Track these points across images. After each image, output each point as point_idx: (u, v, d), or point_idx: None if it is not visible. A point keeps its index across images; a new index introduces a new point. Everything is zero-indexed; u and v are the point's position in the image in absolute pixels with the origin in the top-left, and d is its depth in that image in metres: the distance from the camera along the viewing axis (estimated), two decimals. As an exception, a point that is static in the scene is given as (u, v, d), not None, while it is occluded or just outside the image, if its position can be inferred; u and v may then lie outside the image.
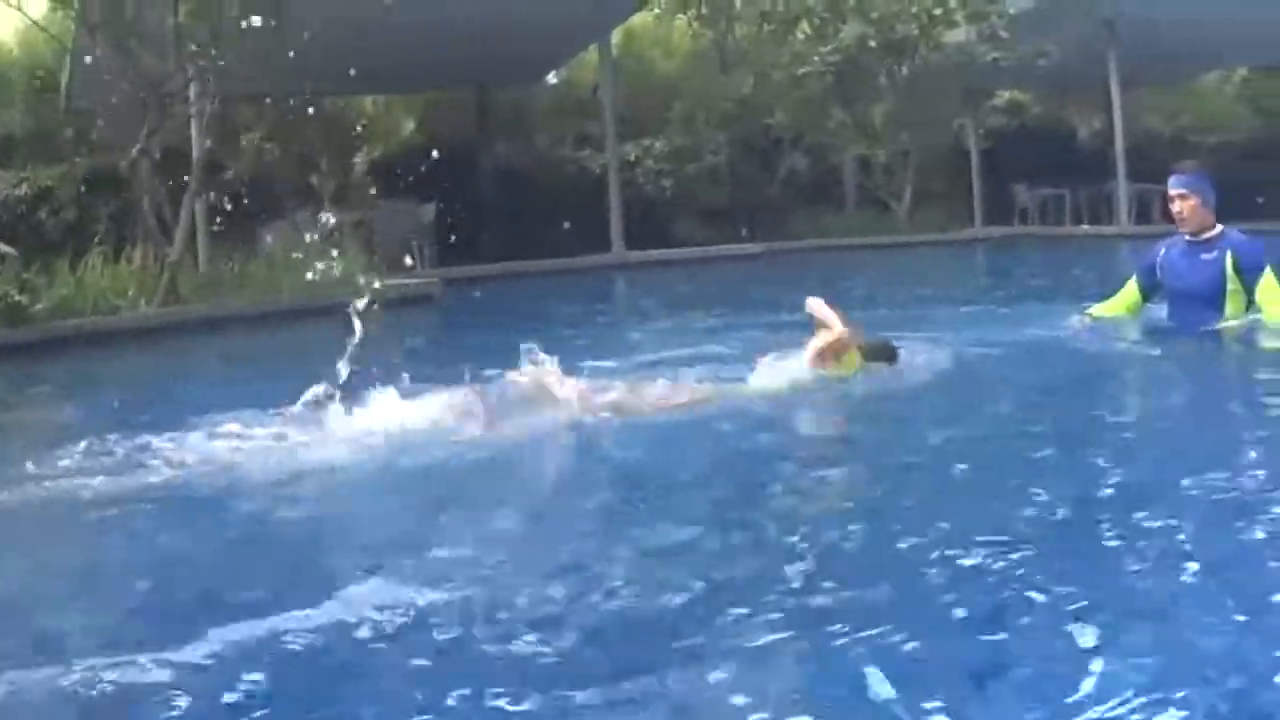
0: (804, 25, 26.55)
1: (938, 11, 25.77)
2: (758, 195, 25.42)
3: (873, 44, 24.95)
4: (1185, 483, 3.79)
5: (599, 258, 20.60)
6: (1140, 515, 3.44)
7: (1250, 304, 7.01)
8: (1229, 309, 6.98)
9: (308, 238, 11.74)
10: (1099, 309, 7.59)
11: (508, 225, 22.84)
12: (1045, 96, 33.25)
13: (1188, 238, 7.20)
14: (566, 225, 21.43)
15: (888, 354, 6.10)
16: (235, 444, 4.86)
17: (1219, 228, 7.14)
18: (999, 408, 5.81)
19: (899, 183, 26.89)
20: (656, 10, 28.58)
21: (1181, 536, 3.23)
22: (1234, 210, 24.78)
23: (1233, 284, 6.95)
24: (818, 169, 27.36)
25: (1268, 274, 6.90)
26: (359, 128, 25.17)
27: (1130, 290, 7.53)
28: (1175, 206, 7.19)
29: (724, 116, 26.52)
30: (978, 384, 6.40)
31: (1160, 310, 7.56)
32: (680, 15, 29.41)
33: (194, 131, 14.46)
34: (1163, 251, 7.39)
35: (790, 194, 26.27)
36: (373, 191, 22.42)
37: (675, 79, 28.37)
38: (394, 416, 5.09)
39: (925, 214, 26.43)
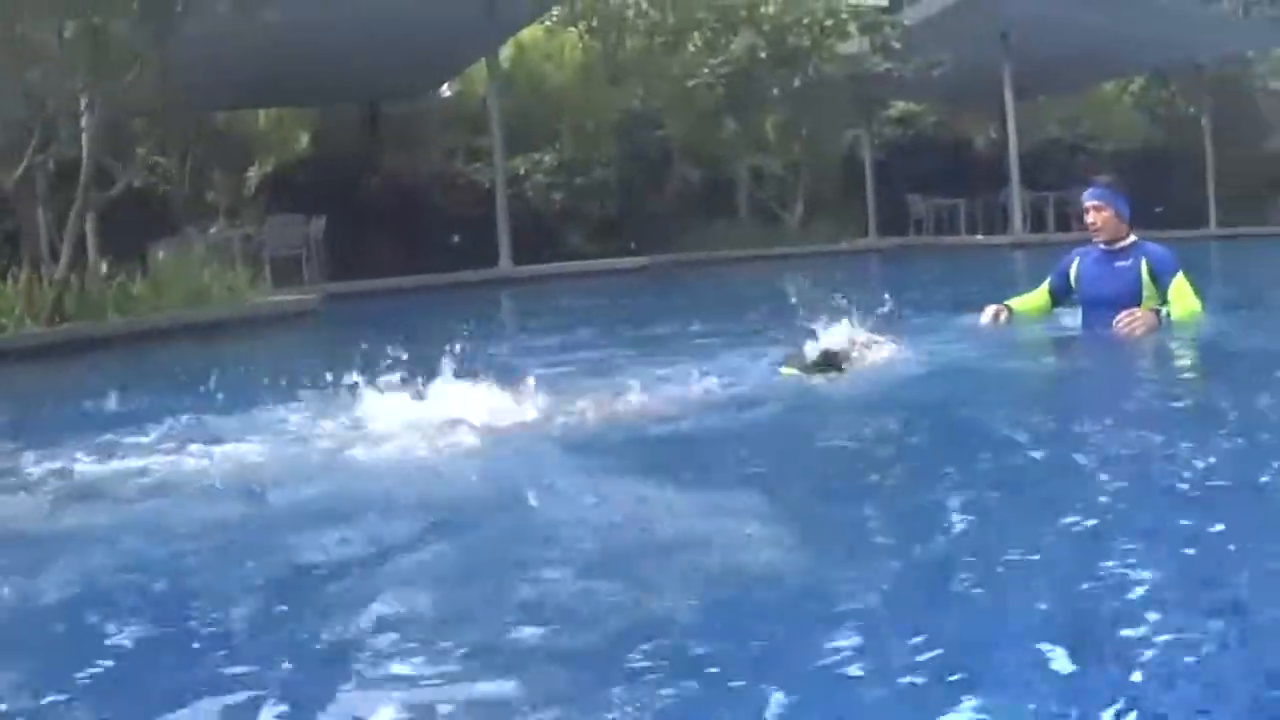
0: (695, 37, 26.84)
1: (829, 23, 26.09)
2: (648, 208, 25.52)
3: (763, 55, 25.14)
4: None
5: (486, 272, 20.62)
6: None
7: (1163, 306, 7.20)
8: None
9: (198, 252, 11.77)
10: (1016, 302, 7.78)
11: (399, 239, 22.73)
12: (941, 107, 33.67)
13: (1102, 246, 7.45)
14: (455, 239, 21.66)
15: (835, 361, 6.25)
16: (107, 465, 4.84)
17: (1132, 237, 7.42)
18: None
19: (791, 193, 27.14)
20: (548, 23, 28.70)
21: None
22: (1132, 220, 25.51)
23: (1148, 290, 7.21)
24: (711, 180, 27.48)
25: (1179, 276, 7.18)
26: (251, 142, 25.24)
27: (1041, 293, 7.77)
28: (1090, 217, 7.43)
29: (613, 129, 26.60)
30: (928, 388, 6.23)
31: (1069, 315, 7.72)
32: (571, 28, 29.54)
33: (83, 148, 14.45)
34: (1077, 260, 7.64)
35: (682, 206, 26.37)
36: (263, 206, 22.53)
37: (566, 92, 28.40)
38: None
39: (819, 225, 26.61)
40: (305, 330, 13.61)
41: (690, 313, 11.57)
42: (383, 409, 5.00)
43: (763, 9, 26.11)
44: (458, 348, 5.28)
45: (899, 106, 32.69)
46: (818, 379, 6.01)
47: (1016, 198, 27.26)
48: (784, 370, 6.26)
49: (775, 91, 26.00)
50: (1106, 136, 36.26)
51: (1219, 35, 34.82)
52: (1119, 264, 7.30)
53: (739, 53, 25.21)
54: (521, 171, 24.98)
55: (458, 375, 5.17)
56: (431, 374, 5.17)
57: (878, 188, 29.31)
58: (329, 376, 5.19)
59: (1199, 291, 7.22)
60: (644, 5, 28.16)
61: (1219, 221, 32.64)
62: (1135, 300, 7.18)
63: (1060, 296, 7.73)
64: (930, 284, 17.13)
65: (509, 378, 5.43)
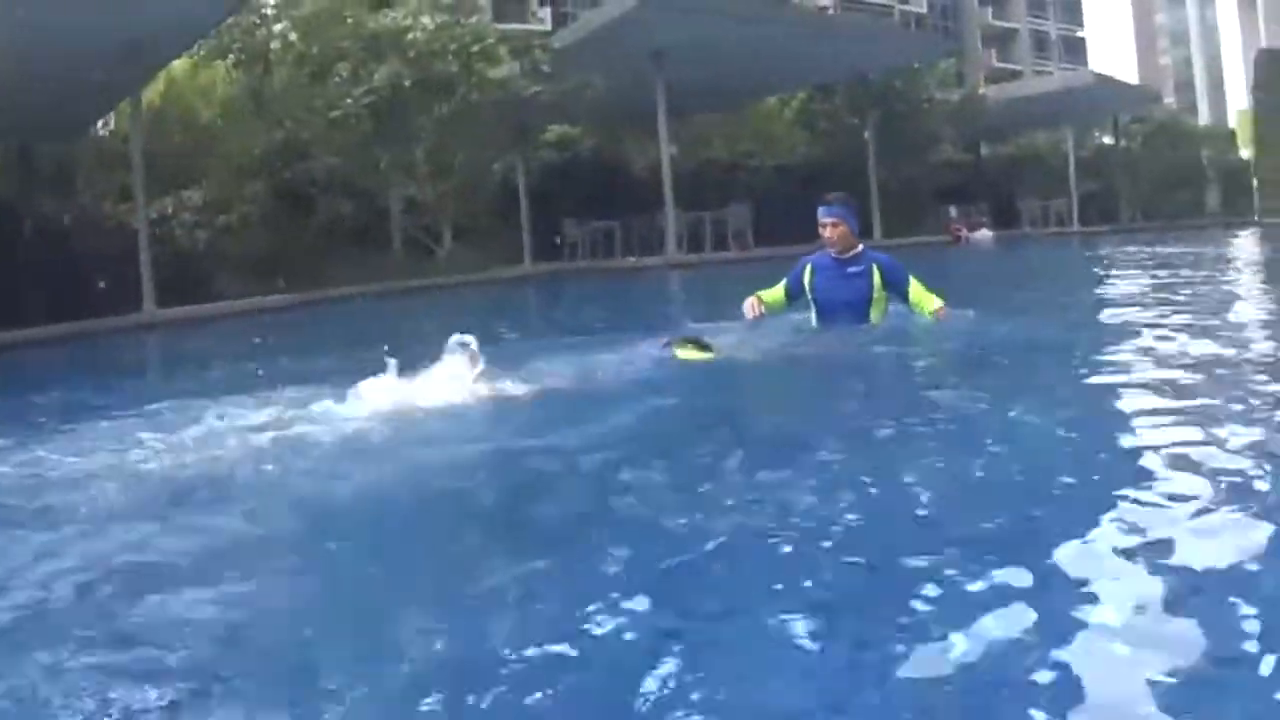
0: (342, 67, 27.04)
1: (477, 48, 26.99)
2: (297, 243, 25.74)
3: (408, 83, 25.77)
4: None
5: (128, 318, 20.47)
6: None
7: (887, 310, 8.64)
8: (874, 315, 8.52)
9: None
10: (764, 294, 8.86)
11: (49, 286, 21.71)
12: (599, 129, 34.91)
13: (834, 255, 8.63)
14: (102, 284, 21.54)
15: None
16: None
17: (860, 246, 8.66)
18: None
19: (442, 223, 27.96)
20: (196, 57, 28.83)
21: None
22: (794, 235, 27.31)
23: (878, 294, 8.50)
24: (365, 212, 27.98)
25: (914, 281, 8.53)
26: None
27: (779, 291, 8.86)
28: (827, 233, 8.53)
29: (260, 164, 26.95)
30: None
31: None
32: (219, 61, 29.82)
33: None
34: (810, 266, 8.77)
35: (334, 240, 26.74)
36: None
37: (216, 127, 28.63)
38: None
39: (474, 253, 27.38)
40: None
41: (316, 350, 12.18)
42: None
43: (410, 35, 26.70)
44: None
45: (556, 130, 33.86)
46: (702, 356, 7.55)
47: (671, 219, 28.48)
48: (677, 353, 7.62)
49: (424, 120, 26.71)
50: (768, 153, 38.35)
51: (884, 48, 36.87)
52: (851, 270, 8.54)
53: (382, 82, 25.77)
54: (170, 210, 25.09)
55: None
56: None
57: (533, 213, 30.24)
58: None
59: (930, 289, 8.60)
60: (290, 36, 28.62)
61: (884, 233, 34.64)
62: (867, 303, 8.53)
63: (794, 297, 8.86)
64: (568, 307, 18.58)
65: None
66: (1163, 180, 55.09)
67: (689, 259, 28.04)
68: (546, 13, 68.70)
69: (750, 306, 8.86)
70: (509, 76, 27.77)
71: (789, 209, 34.79)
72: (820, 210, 8.66)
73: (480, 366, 6.64)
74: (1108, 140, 56.45)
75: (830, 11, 78.07)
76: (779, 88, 39.53)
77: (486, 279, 25.36)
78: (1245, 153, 65.50)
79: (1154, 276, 17.86)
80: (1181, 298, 12.79)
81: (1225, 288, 15.43)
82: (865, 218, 35.76)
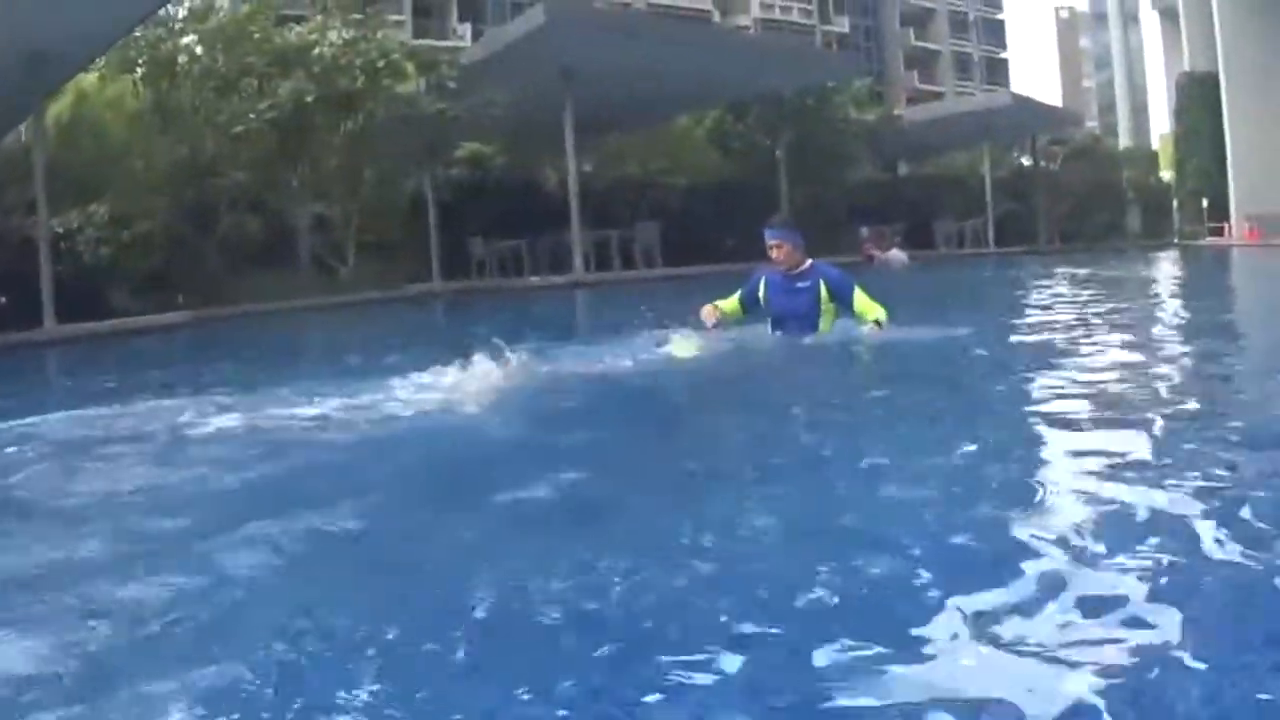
0: (248, 82, 27.23)
1: (383, 64, 27.16)
2: (199, 259, 25.69)
3: (310, 99, 25.93)
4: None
5: (29, 334, 20.22)
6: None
7: (837, 319, 9.29)
8: (823, 325, 9.21)
9: None
10: (721, 303, 9.56)
11: None
12: (511, 147, 35.25)
13: (784, 272, 9.30)
14: (2, 299, 21.30)
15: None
16: None
17: (809, 262, 9.33)
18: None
19: (348, 240, 28.08)
20: (101, 71, 28.64)
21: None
22: (705, 254, 27.70)
23: (826, 306, 9.17)
24: (273, 229, 27.89)
25: (858, 291, 9.20)
26: None
27: (735, 301, 9.58)
28: (774, 254, 9.21)
29: (165, 179, 26.89)
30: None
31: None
32: (126, 75, 29.39)
33: None
34: (764, 280, 9.44)
35: (238, 256, 26.61)
36: None
37: (123, 141, 28.53)
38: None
39: (383, 270, 27.57)
40: None
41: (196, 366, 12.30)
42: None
43: (316, 50, 26.83)
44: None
45: (468, 147, 34.12)
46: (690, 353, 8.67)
47: (577, 238, 28.82)
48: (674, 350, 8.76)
49: (330, 136, 26.99)
50: (680, 172, 38.78)
51: (798, 67, 37.48)
52: (800, 285, 9.22)
53: (285, 97, 25.96)
54: (75, 225, 24.69)
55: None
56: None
57: (442, 231, 30.48)
58: None
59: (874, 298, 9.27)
60: (197, 50, 28.55)
61: None
62: (816, 315, 9.21)
63: (749, 308, 9.58)
64: (463, 325, 18.84)
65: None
66: (1082, 202, 55.98)
67: (593, 278, 28.30)
68: (467, 29, 69.07)
69: (708, 314, 9.51)
70: (415, 93, 28.04)
71: (699, 228, 35.52)
72: (766, 233, 9.40)
73: (511, 365, 7.63)
74: (1026, 161, 57.23)
75: (750, 31, 79.00)
76: (692, 106, 39.90)
77: (391, 297, 25.55)
78: (1167, 175, 66.74)
79: (1056, 296, 18.48)
80: (1074, 316, 13.36)
81: (1123, 307, 16.00)
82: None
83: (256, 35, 27.56)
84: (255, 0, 29.57)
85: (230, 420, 6.68)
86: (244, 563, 3.63)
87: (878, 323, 9.11)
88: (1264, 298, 20.03)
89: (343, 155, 27.65)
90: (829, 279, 9.31)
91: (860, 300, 9.20)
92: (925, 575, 3.15)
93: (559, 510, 4.26)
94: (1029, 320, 13.54)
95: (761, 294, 9.49)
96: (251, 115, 26.15)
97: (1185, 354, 9.35)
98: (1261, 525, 3.50)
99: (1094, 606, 2.86)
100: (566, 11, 28.80)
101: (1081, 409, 6.11)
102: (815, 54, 53.06)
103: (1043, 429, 5.55)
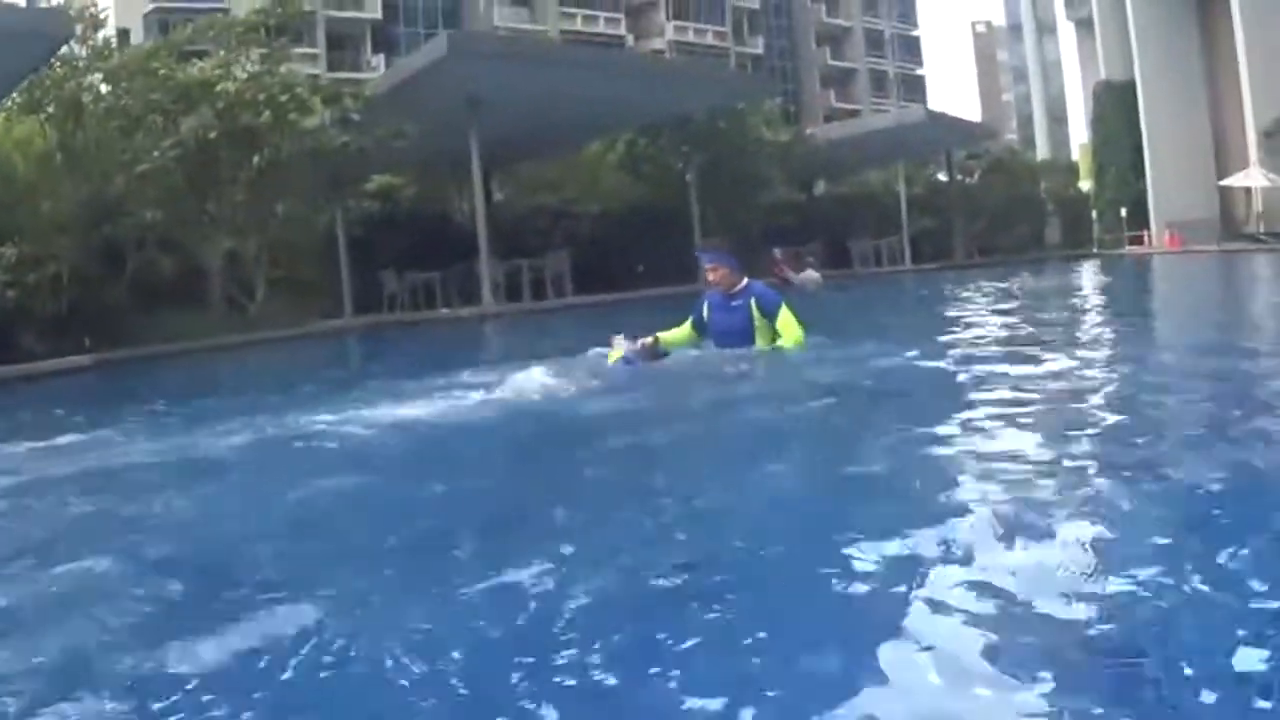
0: (154, 120, 27.23)
1: (285, 98, 27.24)
2: (106, 300, 25.49)
3: (213, 135, 26.11)
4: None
5: None
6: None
7: (775, 336, 10.06)
8: (759, 342, 10.07)
9: None
10: (665, 335, 10.46)
11: None
12: (421, 178, 35.69)
13: (722, 293, 10.24)
14: None
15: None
16: None
17: (745, 281, 10.25)
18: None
19: (256, 277, 28.11)
20: (7, 112, 28.83)
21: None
22: (619, 281, 28.03)
23: (760, 323, 10.03)
24: (183, 268, 27.84)
25: (784, 308, 10.06)
26: None
27: (686, 328, 10.58)
28: (711, 277, 10.26)
29: (72, 219, 26.65)
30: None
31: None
32: (33, 115, 29.17)
33: None
34: (706, 302, 10.41)
35: (148, 296, 26.48)
36: None
37: (30, 183, 28.23)
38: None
39: (294, 307, 27.68)
40: None
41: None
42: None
43: (219, 86, 26.85)
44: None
45: (378, 180, 34.36)
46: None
47: (485, 269, 29.05)
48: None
49: (237, 172, 27.05)
50: (592, 199, 39.11)
51: (708, 89, 37.72)
52: (735, 304, 10.14)
53: (188, 133, 26.10)
54: None
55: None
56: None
57: (355, 265, 30.79)
58: None
59: (800, 320, 10.07)
60: (102, 89, 28.48)
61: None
62: (751, 331, 10.09)
63: (700, 330, 10.54)
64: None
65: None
66: (1001, 215, 56.63)
67: (505, 309, 28.64)
68: (380, 60, 69.43)
69: (647, 343, 10.30)
70: (321, 126, 28.06)
71: (612, 254, 35.89)
72: (700, 258, 10.64)
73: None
74: (943, 177, 57.83)
75: (664, 55, 79.51)
76: (603, 132, 40.22)
77: (299, 334, 25.65)
78: (1086, 185, 67.57)
79: (964, 309, 19.04)
80: (974, 329, 13.93)
81: (1025, 317, 16.56)
82: (688, 261, 36.58)
83: (161, 72, 27.46)
84: (161, 36, 29.45)
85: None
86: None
87: (780, 346, 9.97)
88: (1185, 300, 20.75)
89: (250, 191, 27.62)
90: (759, 297, 10.19)
91: (783, 318, 10.07)
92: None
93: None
94: (934, 335, 13.97)
95: (705, 315, 10.44)
96: (155, 153, 26.26)
97: (1097, 366, 10.00)
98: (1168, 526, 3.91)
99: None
100: (469, 41, 29.17)
101: (985, 420, 6.62)
102: (725, 75, 53.54)
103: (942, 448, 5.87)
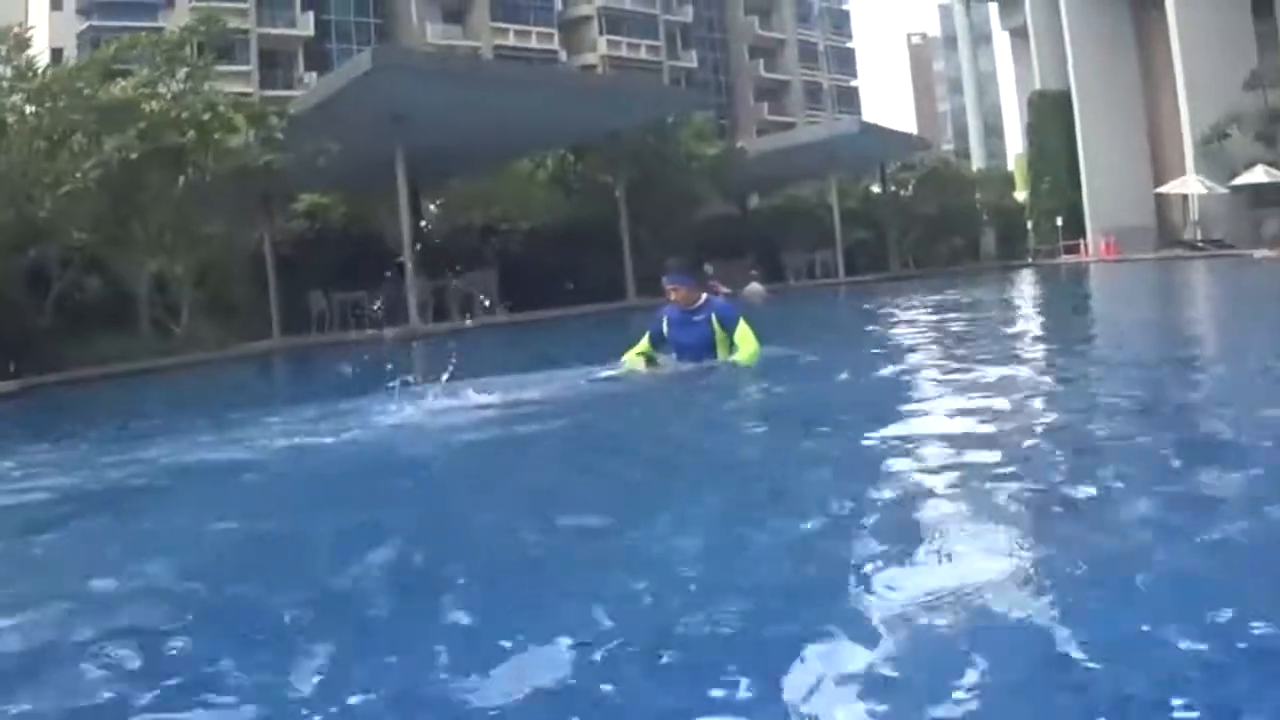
0: (77, 140, 26.98)
1: (207, 117, 27.20)
2: (29, 325, 25.38)
3: (135, 155, 25.94)
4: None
5: None
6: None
7: (733, 349, 10.56)
8: (720, 354, 10.55)
9: None
10: (627, 356, 11.03)
11: None
12: (351, 197, 35.76)
13: (682, 308, 10.66)
14: None
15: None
16: None
17: (705, 297, 10.70)
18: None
19: (183, 299, 27.98)
20: None
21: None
22: (549, 299, 28.08)
23: (720, 336, 10.53)
24: (111, 289, 27.80)
25: (742, 323, 10.57)
26: None
27: (644, 344, 10.98)
28: (671, 295, 10.67)
29: None
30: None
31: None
32: None
33: None
34: (665, 317, 10.81)
35: (75, 319, 26.38)
36: None
37: None
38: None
39: (221, 328, 27.65)
40: None
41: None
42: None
43: (144, 106, 26.87)
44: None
45: (307, 199, 34.44)
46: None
47: (412, 288, 29.21)
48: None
49: (161, 191, 27.07)
50: (522, 216, 39.30)
51: (637, 104, 38.03)
52: (695, 319, 10.62)
53: (109, 154, 25.90)
54: None
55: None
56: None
57: (283, 285, 30.78)
58: None
59: (757, 333, 10.55)
60: (25, 110, 28.01)
61: (637, 292, 35.78)
62: (711, 345, 10.59)
63: (658, 344, 10.96)
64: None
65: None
66: (935, 226, 57.10)
67: (433, 328, 28.61)
68: (313, 77, 69.38)
69: (639, 365, 11.01)
70: (245, 145, 28.06)
71: (542, 272, 35.98)
72: (664, 279, 10.90)
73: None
74: (876, 189, 58.25)
75: (597, 70, 79.82)
76: (533, 149, 40.48)
77: (227, 356, 25.58)
78: (1021, 195, 68.10)
79: (895, 320, 19.40)
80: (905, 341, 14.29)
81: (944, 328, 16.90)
82: (618, 279, 36.97)
83: (86, 91, 27.25)
84: (86, 56, 29.28)
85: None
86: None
87: (736, 360, 10.49)
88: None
89: (177, 211, 27.60)
90: (718, 311, 10.71)
91: (741, 332, 10.60)
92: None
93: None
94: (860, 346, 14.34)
95: (665, 330, 10.88)
96: (78, 174, 26.01)
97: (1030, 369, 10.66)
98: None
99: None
100: (392, 56, 29.26)
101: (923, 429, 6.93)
102: (655, 90, 53.85)
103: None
